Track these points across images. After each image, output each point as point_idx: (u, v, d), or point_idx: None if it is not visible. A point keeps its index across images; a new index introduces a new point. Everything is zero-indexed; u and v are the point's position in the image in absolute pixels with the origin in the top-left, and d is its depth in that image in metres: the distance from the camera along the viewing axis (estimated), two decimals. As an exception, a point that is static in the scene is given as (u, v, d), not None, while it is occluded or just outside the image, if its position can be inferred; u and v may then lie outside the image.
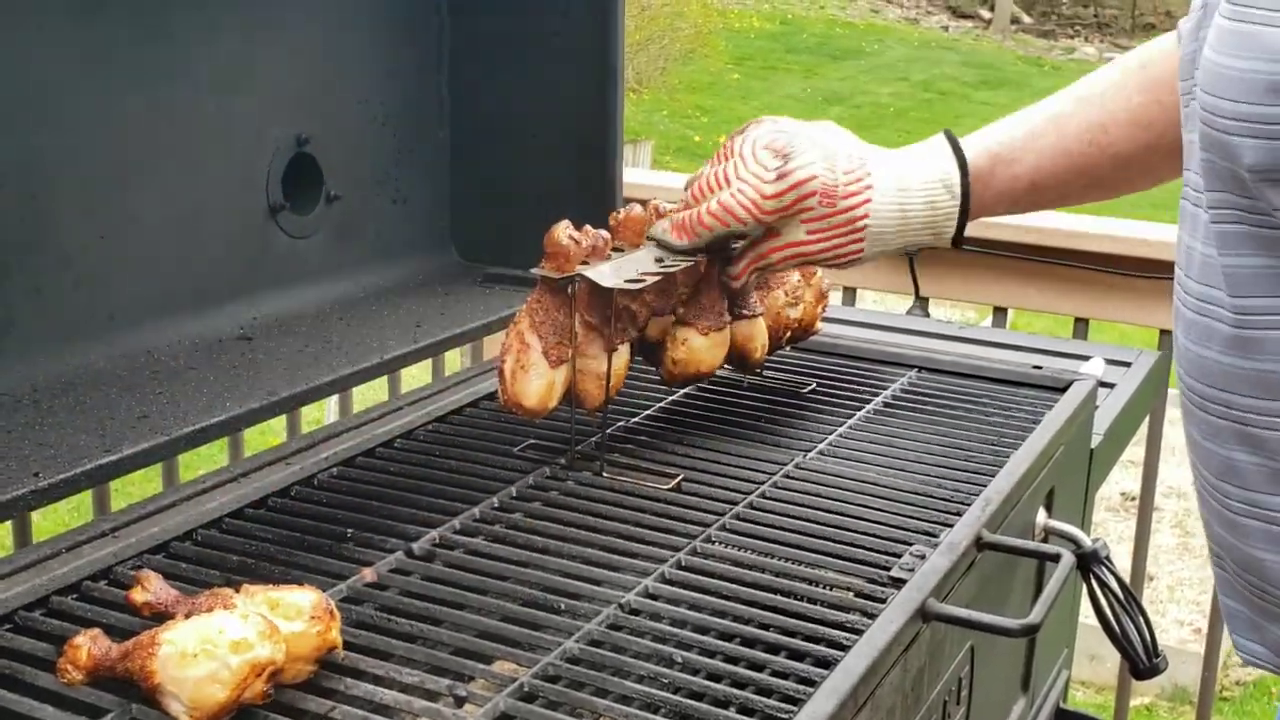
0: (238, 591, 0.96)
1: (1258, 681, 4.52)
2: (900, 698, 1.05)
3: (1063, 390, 1.60)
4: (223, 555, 1.16)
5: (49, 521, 4.02)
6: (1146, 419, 2.37)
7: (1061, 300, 2.68)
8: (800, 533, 1.21)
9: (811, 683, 0.96)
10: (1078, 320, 2.70)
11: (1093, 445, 1.67)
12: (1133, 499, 4.91)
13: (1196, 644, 4.18)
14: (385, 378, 2.08)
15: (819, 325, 1.66)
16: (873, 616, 1.05)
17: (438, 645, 1.02)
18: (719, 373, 1.63)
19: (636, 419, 1.50)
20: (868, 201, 1.34)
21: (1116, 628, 1.40)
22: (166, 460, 1.84)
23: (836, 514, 1.26)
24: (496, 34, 1.86)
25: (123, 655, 0.90)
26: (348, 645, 0.99)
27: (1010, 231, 2.62)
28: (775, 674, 0.98)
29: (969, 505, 1.25)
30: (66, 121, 1.38)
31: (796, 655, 1.01)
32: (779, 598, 1.09)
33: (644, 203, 1.44)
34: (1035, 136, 1.39)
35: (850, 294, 2.88)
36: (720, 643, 1.02)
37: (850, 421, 1.51)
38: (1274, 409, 1.03)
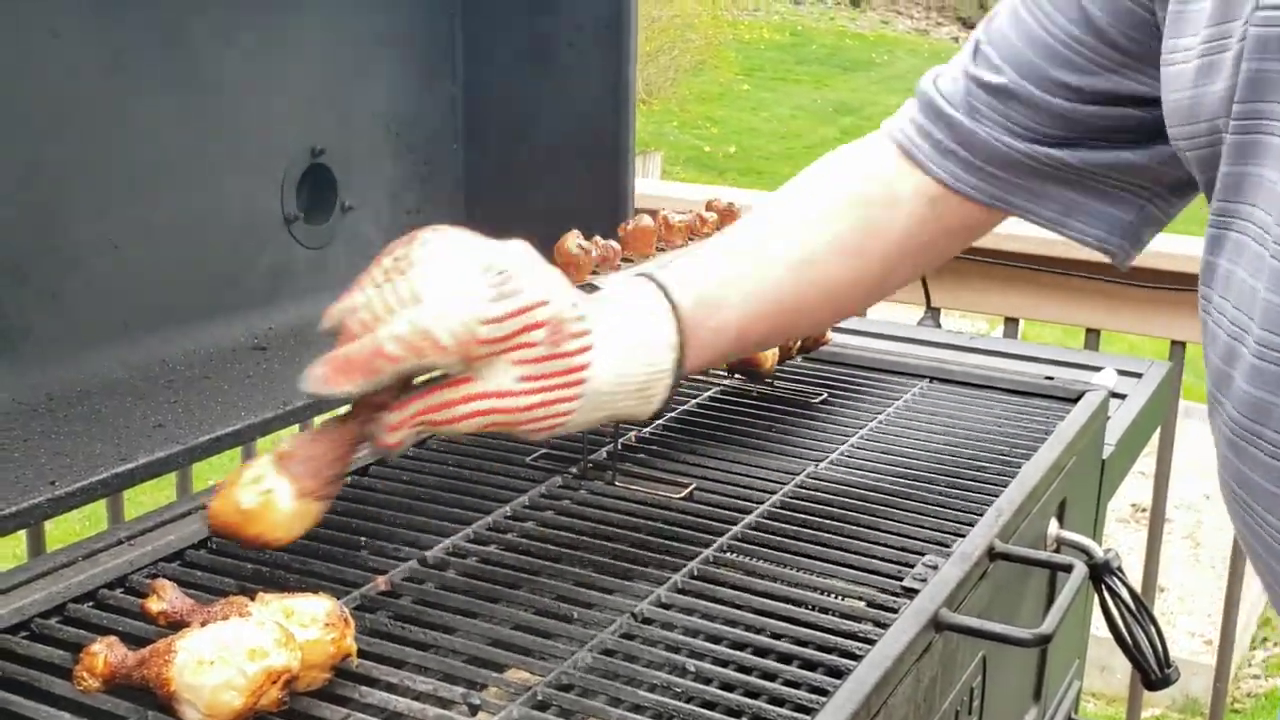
0: (253, 600, 0.96)
1: (1269, 693, 4.51)
2: (913, 708, 1.05)
3: (1074, 401, 1.60)
4: (237, 564, 1.17)
5: (60, 531, 4.04)
6: (1158, 430, 2.37)
7: (1073, 311, 2.68)
8: (813, 542, 1.22)
9: (824, 692, 0.96)
10: (1089, 331, 2.70)
11: (1104, 456, 1.67)
12: (1143, 510, 4.91)
13: (1208, 655, 4.17)
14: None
15: (829, 335, 1.66)
16: (885, 626, 1.05)
17: (451, 653, 1.02)
18: (729, 383, 1.63)
19: (648, 429, 1.50)
20: (589, 349, 1.06)
21: (1128, 638, 1.40)
22: (181, 469, 1.85)
23: (849, 524, 1.26)
24: (510, 46, 1.87)
25: (139, 663, 0.91)
26: (362, 653, 0.99)
27: (1021, 243, 2.63)
28: (788, 684, 0.98)
29: (981, 515, 1.26)
30: (82, 130, 1.39)
31: (809, 665, 1.01)
32: (791, 607, 1.09)
33: (653, 214, 1.45)
34: (740, 278, 1.23)
35: (861, 304, 2.88)
36: (733, 652, 1.02)
37: (862, 432, 1.51)
38: None
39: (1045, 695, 1.57)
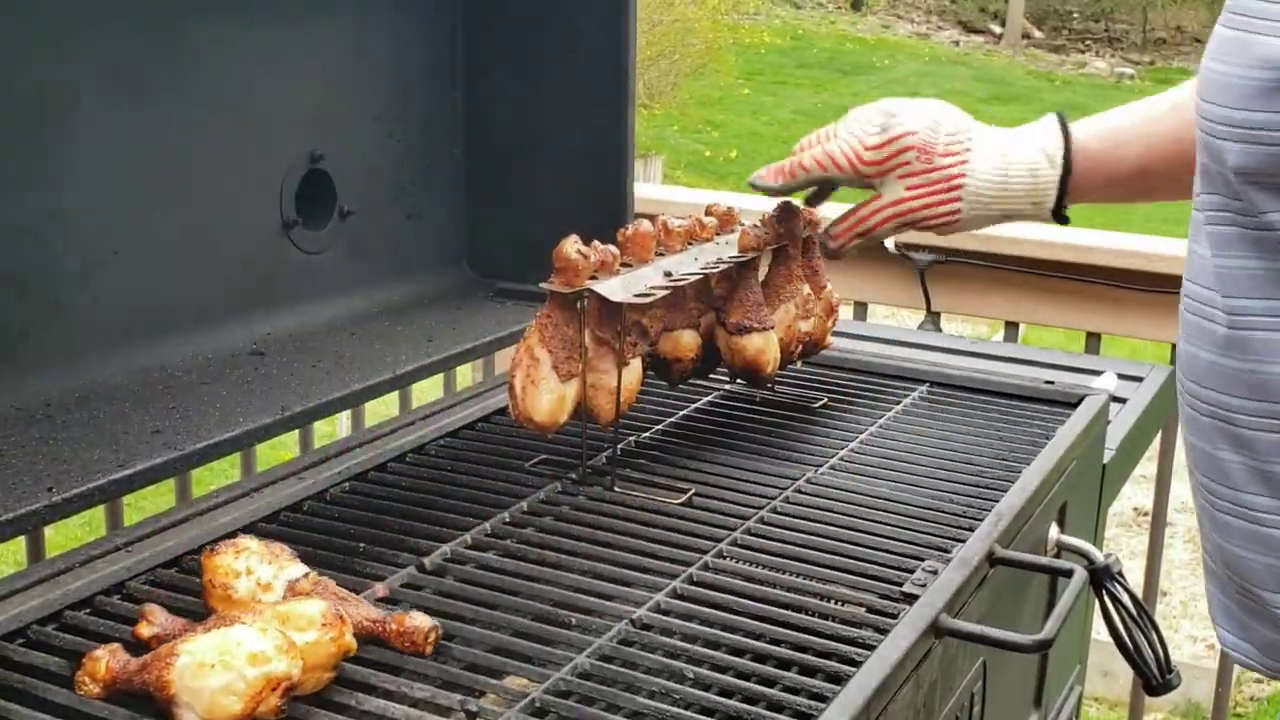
0: (246, 609, 0.96)
1: (1272, 697, 4.50)
2: (913, 714, 1.05)
3: (1075, 405, 1.60)
4: (235, 570, 1.16)
5: (60, 536, 4.03)
6: (1159, 434, 2.37)
7: (1073, 315, 2.68)
8: (812, 548, 1.21)
9: (824, 698, 0.96)
10: (1089, 335, 2.70)
11: (1105, 460, 1.67)
12: (1145, 514, 4.90)
13: (1210, 660, 4.16)
14: (396, 392, 2.09)
15: (829, 340, 1.66)
16: (885, 632, 1.04)
17: (449, 660, 1.02)
18: (730, 387, 1.63)
19: (648, 434, 1.50)
20: (964, 162, 1.41)
21: (1129, 643, 1.40)
22: (179, 475, 1.85)
23: (848, 529, 1.25)
24: (510, 51, 1.87)
25: (141, 667, 0.91)
26: (359, 660, 0.99)
27: (1021, 246, 2.62)
28: (787, 690, 0.98)
29: (981, 520, 1.25)
30: (83, 138, 1.39)
31: (809, 671, 1.01)
32: (791, 613, 1.09)
33: (653, 218, 1.44)
34: (1152, 121, 1.40)
35: (861, 309, 2.88)
36: (732, 658, 1.02)
37: (862, 436, 1.51)
38: (1260, 409, 1.04)
39: (1046, 701, 1.56)
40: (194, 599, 1.08)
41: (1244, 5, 1.00)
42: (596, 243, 1.33)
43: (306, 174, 1.67)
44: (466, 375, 2.95)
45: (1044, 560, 1.30)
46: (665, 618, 1.08)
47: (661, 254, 1.42)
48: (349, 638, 0.96)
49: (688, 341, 1.46)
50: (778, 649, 1.04)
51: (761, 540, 1.23)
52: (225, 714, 0.88)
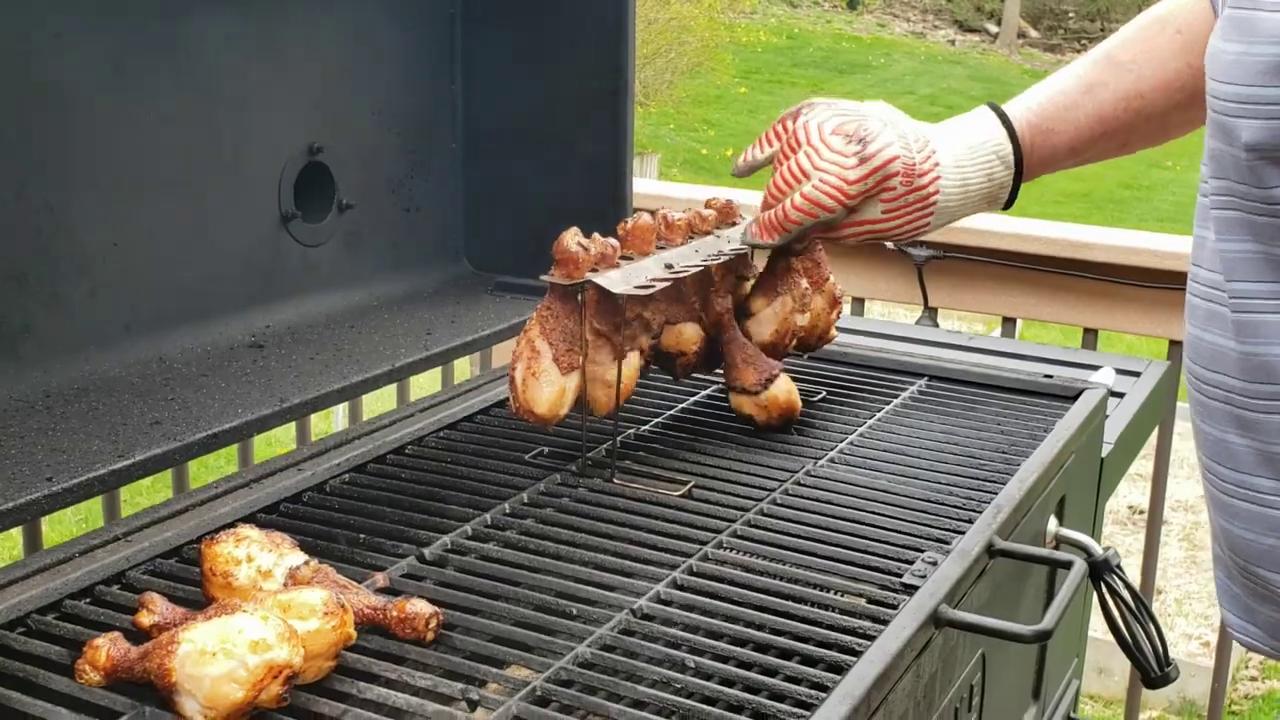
0: (247, 598, 0.96)
1: (1266, 695, 4.51)
2: (913, 704, 1.05)
3: (1073, 399, 1.60)
4: (235, 560, 1.16)
5: (55, 532, 4.03)
6: (1155, 431, 2.37)
7: (1070, 311, 2.68)
8: (812, 539, 1.21)
9: (824, 688, 0.96)
10: (1086, 331, 2.70)
11: (1103, 454, 1.67)
12: (1140, 513, 4.91)
13: (1206, 658, 4.17)
14: (394, 387, 2.09)
15: (834, 332, 1.65)
16: (885, 623, 1.05)
17: (450, 650, 1.02)
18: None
19: (648, 426, 1.50)
20: (937, 179, 1.40)
21: (1128, 636, 1.40)
22: (178, 466, 1.85)
23: (848, 521, 1.26)
24: (509, 45, 1.87)
25: (142, 655, 0.91)
26: (361, 649, 0.99)
27: (1018, 242, 2.63)
28: (788, 679, 0.98)
29: (980, 512, 1.25)
30: (83, 131, 1.39)
31: (809, 661, 1.01)
32: (791, 604, 1.09)
33: (652, 212, 1.44)
34: (1073, 108, 1.43)
35: (859, 304, 2.88)
36: (733, 648, 1.02)
37: (861, 429, 1.51)
38: (1264, 391, 1.05)
39: (1044, 693, 1.56)
40: (194, 589, 1.08)
41: None
42: (597, 235, 1.33)
43: (305, 167, 1.67)
44: (464, 369, 2.95)
45: (1044, 552, 1.30)
46: (666, 608, 1.08)
47: (662, 247, 1.42)
48: (350, 628, 0.96)
49: (690, 334, 1.46)
50: (779, 639, 1.04)
51: (762, 532, 1.23)
52: (226, 702, 0.88)
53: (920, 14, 25.78)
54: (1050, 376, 1.68)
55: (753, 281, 1.57)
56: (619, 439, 1.41)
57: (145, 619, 0.98)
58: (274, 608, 0.94)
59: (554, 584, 1.12)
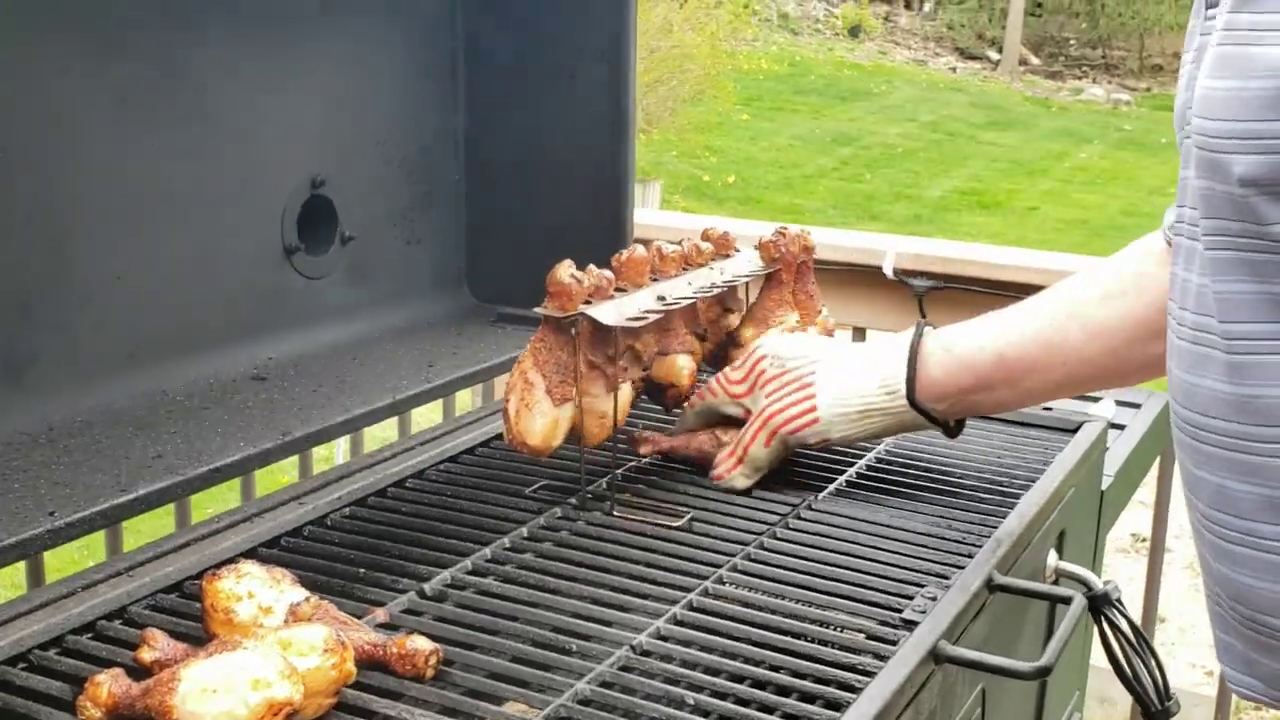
0: (247, 635, 0.96)
1: (1270, 725, 4.49)
2: (912, 740, 1.05)
3: (1073, 432, 1.61)
4: (236, 595, 1.16)
5: (59, 560, 4.02)
6: (1157, 460, 2.37)
7: (1071, 341, 2.68)
8: (812, 574, 1.22)
9: (823, 725, 0.96)
10: (1087, 361, 2.70)
11: (1103, 487, 1.68)
12: (1143, 540, 4.90)
13: (1209, 686, 4.15)
14: (396, 417, 2.09)
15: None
16: (884, 659, 1.05)
17: (450, 686, 1.02)
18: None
19: (648, 459, 1.50)
20: (815, 361, 1.44)
21: (1128, 670, 1.40)
22: (180, 500, 1.85)
23: (848, 555, 1.26)
24: (511, 78, 1.88)
25: (143, 692, 0.91)
26: (361, 685, 0.99)
27: (1018, 273, 2.63)
28: (787, 716, 0.98)
29: (980, 547, 1.26)
30: (87, 163, 1.40)
31: (808, 698, 1.01)
32: (791, 639, 1.09)
33: (648, 244, 1.45)
34: (1022, 375, 1.38)
35: (860, 334, 2.89)
36: (732, 684, 1.02)
37: (861, 462, 1.51)
38: (1267, 435, 1.04)
39: (1045, 727, 1.56)
40: (195, 624, 1.08)
41: (1239, 20, 1.02)
42: (592, 267, 1.34)
43: (308, 199, 1.68)
44: (466, 400, 2.95)
45: (1043, 587, 1.30)
46: (665, 644, 1.08)
47: (655, 279, 1.43)
48: (350, 665, 0.96)
49: (682, 365, 1.47)
50: (778, 675, 1.04)
51: (761, 566, 1.23)
52: (226, 739, 0.88)
53: (922, 41, 25.88)
54: (1050, 409, 1.68)
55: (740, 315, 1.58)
56: (619, 471, 1.42)
57: (146, 655, 0.98)
58: (275, 645, 0.94)
59: (553, 619, 1.12)
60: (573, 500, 1.37)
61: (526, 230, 1.91)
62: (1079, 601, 1.21)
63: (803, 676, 1.04)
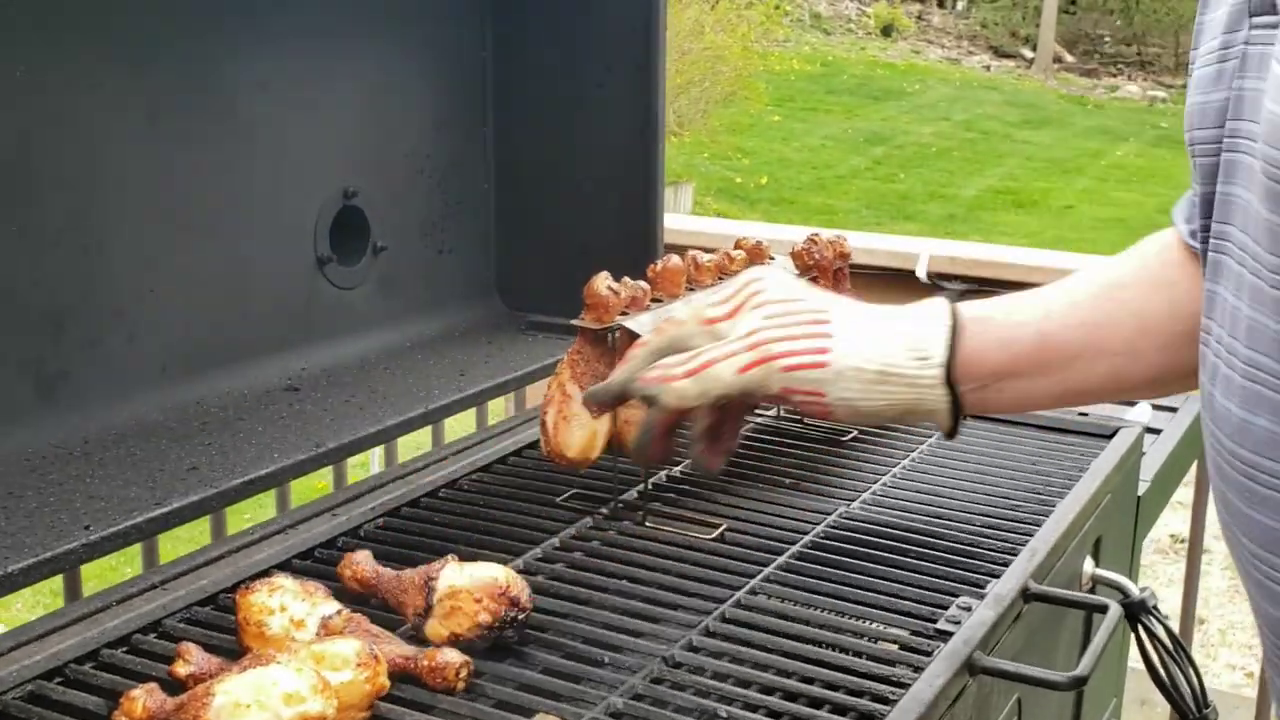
0: (281, 649, 0.97)
1: (1314, 728, 4.44)
2: (947, 752, 1.04)
3: (1109, 437, 1.59)
4: (270, 607, 1.17)
5: (97, 567, 4.05)
6: (1194, 464, 2.35)
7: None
8: (845, 584, 1.21)
9: (857, 738, 0.95)
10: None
11: (1140, 493, 1.66)
12: (1182, 541, 4.85)
13: (1249, 688, 4.11)
14: (429, 426, 2.09)
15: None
16: (919, 670, 1.04)
17: (480, 698, 1.02)
18: (760, 420, 1.63)
19: (679, 468, 1.50)
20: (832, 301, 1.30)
21: (1165, 678, 1.38)
22: (215, 512, 1.86)
23: (881, 564, 1.25)
24: (541, 87, 1.89)
25: (178, 707, 0.91)
26: (393, 699, 0.99)
27: (1054, 276, 2.61)
28: (820, 729, 0.98)
29: (1015, 555, 1.25)
30: (119, 178, 1.41)
31: (841, 710, 1.01)
32: (824, 650, 1.09)
33: (682, 253, 1.45)
34: (1065, 363, 1.25)
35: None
36: (764, 697, 1.02)
37: (894, 470, 1.50)
38: None
39: (1083, 736, 1.55)
40: (229, 637, 1.09)
41: None
42: (627, 279, 1.34)
43: (340, 210, 1.69)
44: (499, 408, 2.95)
45: (1078, 596, 1.29)
46: (697, 655, 1.08)
47: (691, 289, 1.43)
48: (384, 679, 0.97)
49: (719, 376, 1.46)
50: (811, 687, 1.03)
51: (794, 576, 1.23)
52: (260, 754, 0.88)
53: (955, 40, 25.77)
54: (1085, 414, 1.67)
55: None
56: (650, 481, 1.41)
57: (181, 669, 0.99)
58: (308, 658, 0.95)
59: (585, 631, 1.12)
60: (605, 510, 1.37)
61: (557, 238, 1.92)
62: (1115, 610, 1.19)
63: (835, 688, 1.03)
